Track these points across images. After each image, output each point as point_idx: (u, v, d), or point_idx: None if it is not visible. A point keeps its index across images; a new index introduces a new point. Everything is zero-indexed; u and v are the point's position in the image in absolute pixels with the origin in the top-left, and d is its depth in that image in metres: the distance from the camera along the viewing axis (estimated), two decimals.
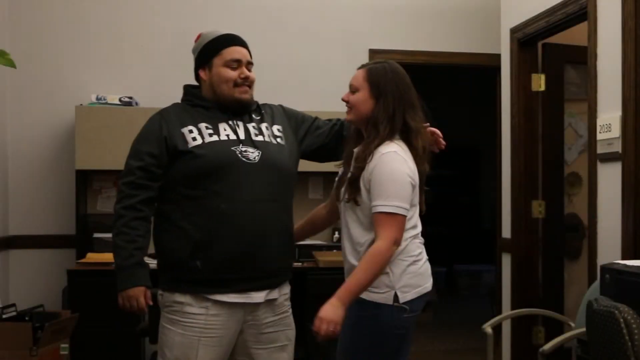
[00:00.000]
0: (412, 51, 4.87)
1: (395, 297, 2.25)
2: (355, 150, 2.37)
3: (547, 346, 2.90)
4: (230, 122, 2.38)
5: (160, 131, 2.34)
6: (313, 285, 4.05)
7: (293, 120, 2.58)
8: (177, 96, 4.44)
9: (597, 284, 2.80)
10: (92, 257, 4.11)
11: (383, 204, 2.21)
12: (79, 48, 4.50)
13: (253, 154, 2.33)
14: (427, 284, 2.37)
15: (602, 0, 3.28)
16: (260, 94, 4.71)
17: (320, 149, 2.60)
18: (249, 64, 2.43)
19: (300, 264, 4.20)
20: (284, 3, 4.72)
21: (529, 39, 4.07)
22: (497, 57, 4.40)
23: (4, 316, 3.64)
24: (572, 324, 3.24)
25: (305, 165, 3.78)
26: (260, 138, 2.39)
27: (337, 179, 2.46)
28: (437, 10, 4.93)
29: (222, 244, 2.25)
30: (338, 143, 2.56)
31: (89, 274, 3.97)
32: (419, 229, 2.41)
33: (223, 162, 2.28)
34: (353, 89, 2.36)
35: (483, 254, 7.85)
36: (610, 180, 3.17)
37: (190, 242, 2.26)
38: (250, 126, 2.41)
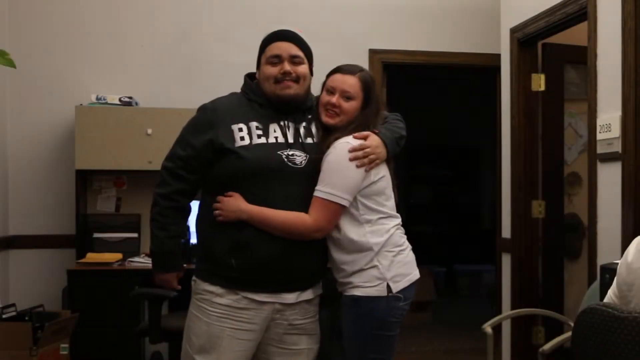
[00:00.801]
0: (412, 51, 4.87)
1: (389, 287, 2.30)
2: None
3: (547, 346, 2.91)
4: (281, 123, 2.36)
5: (209, 126, 2.33)
6: None
7: None
8: (177, 96, 4.51)
9: (597, 284, 2.80)
10: (92, 257, 4.11)
11: (320, 189, 2.27)
12: (79, 48, 4.50)
13: (300, 158, 2.31)
14: (416, 272, 2.42)
15: (602, 0, 3.28)
16: None
17: None
18: (294, 58, 2.36)
19: None
20: (284, 3, 4.72)
21: (529, 39, 4.07)
22: (497, 57, 4.40)
23: (4, 316, 3.64)
24: (572, 324, 3.24)
25: None
26: (309, 140, 2.36)
27: None
28: (437, 10, 4.92)
29: (258, 246, 2.25)
30: None
31: (89, 274, 3.98)
32: (399, 220, 2.43)
33: (267, 166, 2.27)
34: (348, 96, 2.36)
35: (483, 254, 7.85)
36: (610, 180, 3.17)
37: (229, 240, 2.27)
38: (301, 127, 2.38)
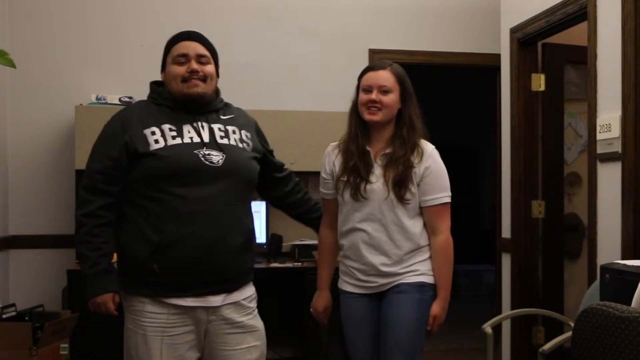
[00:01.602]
0: (412, 51, 4.87)
1: None
2: (383, 152, 2.46)
3: (547, 346, 2.91)
4: (194, 124, 2.34)
5: (121, 133, 2.31)
6: (313, 285, 4.04)
7: (261, 136, 2.57)
8: None
9: (597, 284, 2.80)
10: None
11: (446, 195, 2.48)
12: (79, 48, 4.49)
13: (217, 157, 2.29)
14: None
15: (602, 0, 3.28)
16: (260, 94, 4.71)
17: (264, 175, 2.54)
18: (201, 58, 2.36)
19: (300, 264, 4.20)
20: (284, 3, 4.72)
21: (529, 39, 4.06)
22: (497, 57, 4.39)
23: (4, 316, 3.64)
24: (572, 324, 3.24)
25: (305, 165, 3.77)
26: (225, 141, 2.35)
27: (349, 178, 2.47)
28: (437, 10, 4.92)
29: (180, 248, 2.23)
30: (272, 184, 2.64)
31: None
32: None
33: (185, 165, 2.25)
34: (385, 90, 2.42)
35: (483, 254, 7.85)
36: (610, 180, 3.17)
37: (149, 245, 2.24)
38: (215, 127, 2.36)
